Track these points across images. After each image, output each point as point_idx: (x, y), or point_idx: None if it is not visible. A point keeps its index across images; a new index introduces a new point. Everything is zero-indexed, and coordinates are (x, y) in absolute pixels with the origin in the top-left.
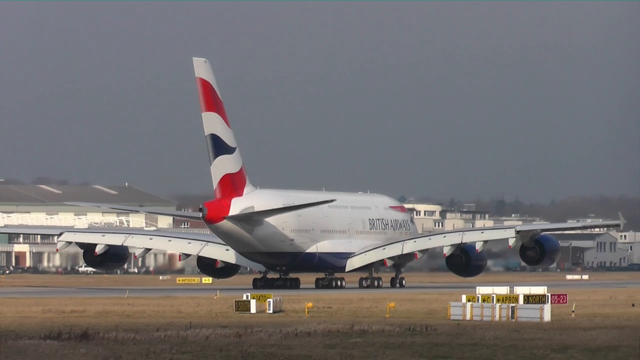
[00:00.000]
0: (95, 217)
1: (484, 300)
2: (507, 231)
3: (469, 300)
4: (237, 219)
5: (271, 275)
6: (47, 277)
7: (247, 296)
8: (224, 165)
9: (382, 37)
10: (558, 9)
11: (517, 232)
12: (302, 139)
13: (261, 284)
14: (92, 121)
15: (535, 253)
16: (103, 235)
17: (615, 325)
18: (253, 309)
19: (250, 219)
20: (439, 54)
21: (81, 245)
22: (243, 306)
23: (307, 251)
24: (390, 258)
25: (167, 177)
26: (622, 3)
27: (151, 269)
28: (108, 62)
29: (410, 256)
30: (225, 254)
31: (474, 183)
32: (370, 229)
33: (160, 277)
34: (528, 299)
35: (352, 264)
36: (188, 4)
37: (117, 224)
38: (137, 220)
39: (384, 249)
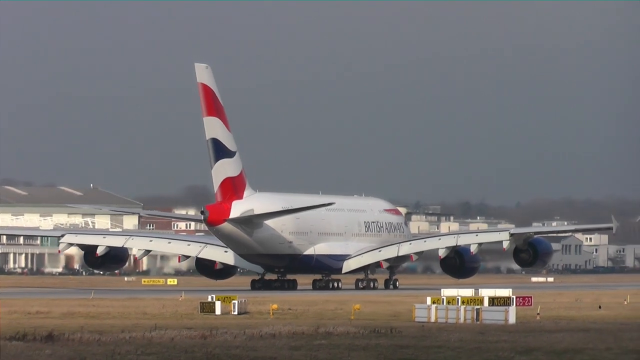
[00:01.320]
0: (61, 218)
1: (448, 303)
2: (501, 234)
3: (433, 303)
4: (238, 221)
5: (269, 276)
6: (13, 278)
7: (212, 298)
8: (224, 169)
9: (378, 41)
10: (558, 9)
11: (511, 234)
12: (300, 144)
13: (259, 285)
14: (60, 124)
15: (529, 255)
16: (104, 237)
17: (580, 328)
18: (218, 311)
19: (250, 221)
20: (415, 58)
21: (82, 247)
22: (208, 308)
23: (305, 253)
24: (385, 260)
25: (131, 178)
26: (622, 3)
27: (116, 270)
28: (96, 66)
29: (405, 258)
30: (224, 255)
31: (439, 185)
32: (366, 232)
33: (126, 279)
34: (493, 301)
35: (348, 265)
36: (189, 9)
37: (83, 225)
38: (102, 221)
39: (380, 251)
